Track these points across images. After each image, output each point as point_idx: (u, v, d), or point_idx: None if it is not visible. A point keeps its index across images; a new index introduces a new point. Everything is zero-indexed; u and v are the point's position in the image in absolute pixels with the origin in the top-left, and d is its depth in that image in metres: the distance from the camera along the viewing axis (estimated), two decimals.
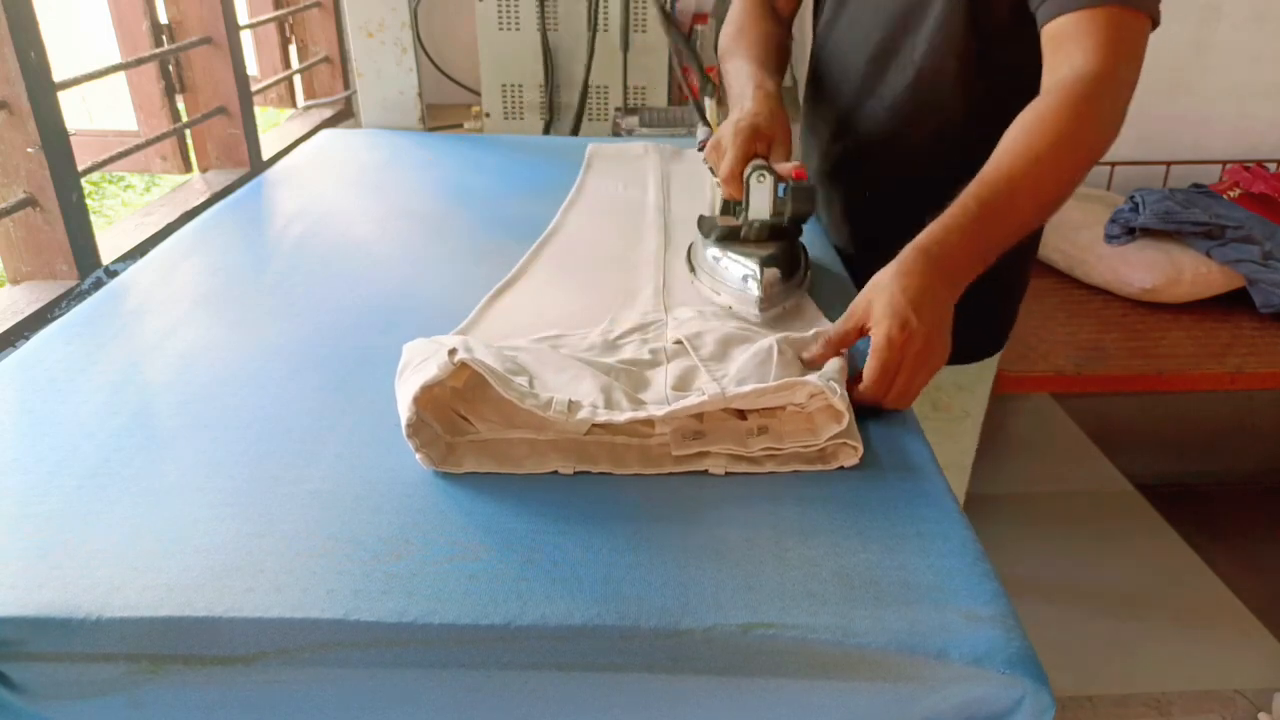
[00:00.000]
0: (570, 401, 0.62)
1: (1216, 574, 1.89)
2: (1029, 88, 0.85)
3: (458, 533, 0.55)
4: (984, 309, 1.01)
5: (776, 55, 1.01)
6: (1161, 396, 2.42)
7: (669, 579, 0.52)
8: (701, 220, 0.92)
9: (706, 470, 0.62)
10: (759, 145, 0.84)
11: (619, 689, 0.49)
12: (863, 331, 0.71)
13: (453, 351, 0.61)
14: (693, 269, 0.89)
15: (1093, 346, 1.84)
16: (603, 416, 0.61)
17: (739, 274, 0.81)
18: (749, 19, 1.05)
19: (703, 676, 0.48)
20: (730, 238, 0.85)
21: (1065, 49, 0.78)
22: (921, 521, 0.58)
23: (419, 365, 0.63)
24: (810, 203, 0.83)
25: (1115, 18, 0.76)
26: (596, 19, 1.61)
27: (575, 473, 0.61)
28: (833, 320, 0.81)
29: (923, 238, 0.72)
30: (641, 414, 0.62)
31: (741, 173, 0.83)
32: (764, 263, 0.80)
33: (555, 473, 0.61)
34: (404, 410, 0.60)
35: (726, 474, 0.62)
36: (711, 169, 0.89)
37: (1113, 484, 2.18)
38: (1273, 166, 2.32)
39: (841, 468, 0.63)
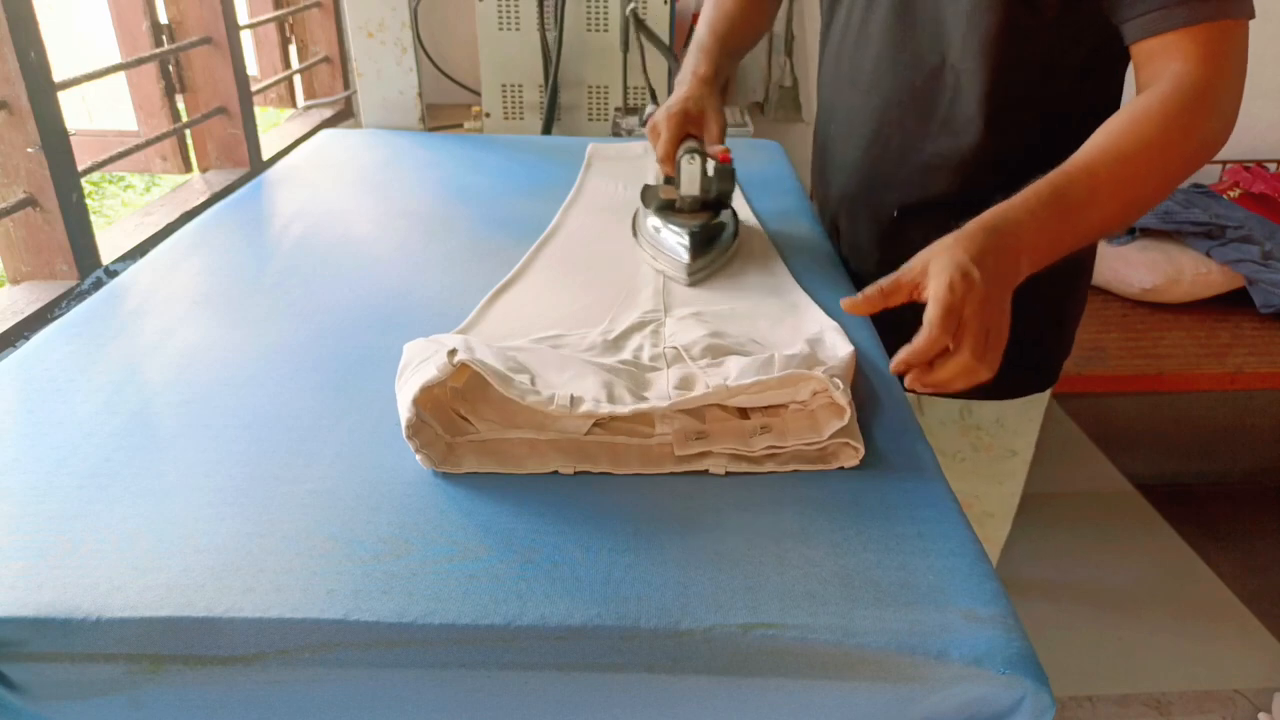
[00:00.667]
0: (573, 396, 0.62)
1: (1216, 574, 1.89)
2: (1053, 110, 0.85)
3: (458, 533, 0.55)
4: (1029, 339, 0.93)
5: (740, 33, 1.05)
6: (1161, 396, 2.42)
7: (669, 579, 0.52)
8: (645, 190, 1.00)
9: (707, 470, 0.62)
10: (691, 128, 0.93)
11: (619, 689, 0.49)
12: (913, 292, 0.68)
13: (452, 352, 0.61)
14: (635, 234, 0.99)
15: (1093, 346, 1.84)
16: (606, 409, 0.61)
17: (672, 242, 0.91)
18: None
19: (703, 677, 0.48)
20: (667, 208, 0.94)
21: (1160, 62, 0.76)
22: (921, 522, 0.58)
23: (418, 366, 0.63)
24: (731, 182, 0.94)
25: (1213, 31, 0.74)
26: (562, 17, 1.61)
27: (575, 472, 0.61)
28: (809, 293, 0.85)
29: (988, 214, 0.69)
30: (645, 406, 0.62)
31: (675, 153, 0.92)
32: (692, 234, 0.89)
33: (555, 473, 0.61)
34: (404, 411, 0.61)
35: (727, 474, 0.62)
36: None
37: (1113, 484, 2.18)
38: (1273, 166, 2.32)
39: (842, 468, 0.63)
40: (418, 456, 0.60)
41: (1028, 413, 1.04)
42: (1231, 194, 2.13)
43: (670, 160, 0.93)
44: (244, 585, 0.50)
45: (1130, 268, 1.98)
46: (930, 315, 0.64)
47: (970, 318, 0.64)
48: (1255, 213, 2.06)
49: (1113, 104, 0.88)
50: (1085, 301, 1.03)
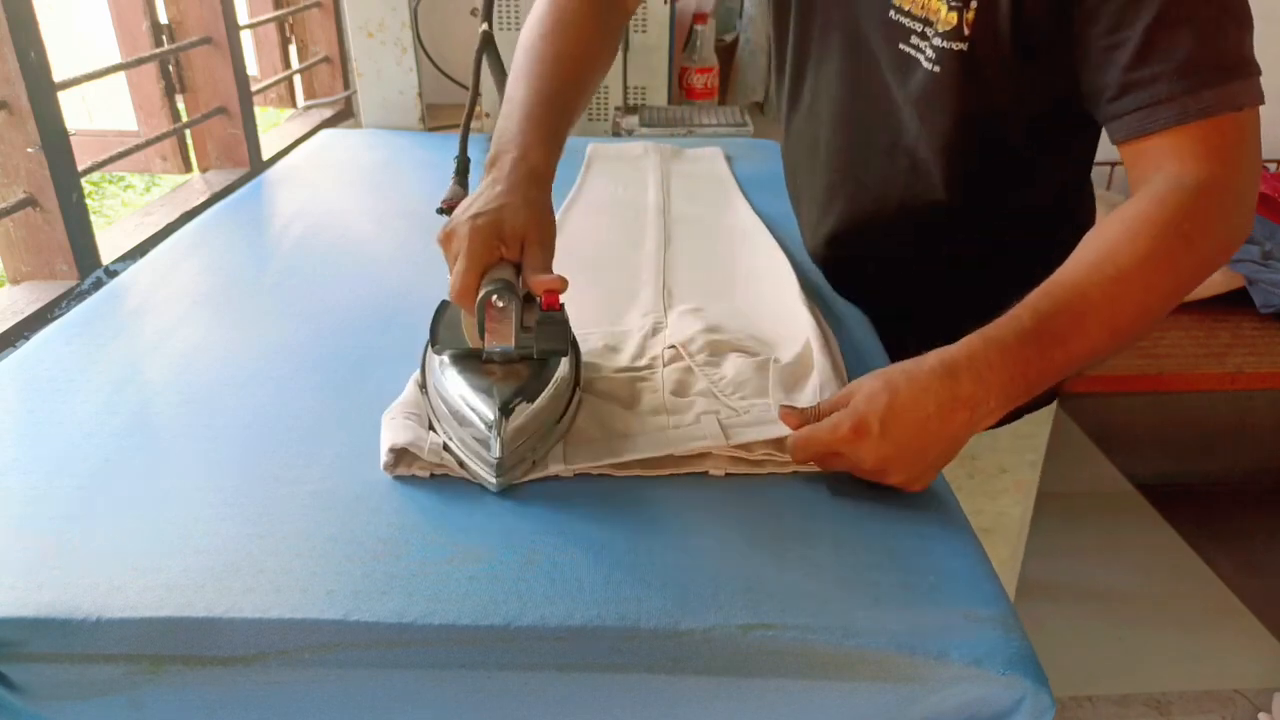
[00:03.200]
0: (568, 463, 0.61)
1: (1216, 574, 1.89)
2: (1017, 163, 0.81)
3: (457, 533, 0.55)
4: None
5: (584, 79, 0.80)
6: (1161, 396, 2.42)
7: (669, 579, 0.52)
8: (440, 312, 0.68)
9: (706, 471, 0.62)
10: (506, 250, 0.63)
11: (619, 689, 0.49)
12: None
13: (441, 451, 0.60)
14: (422, 384, 0.67)
15: None
16: (605, 460, 0.61)
17: (475, 420, 0.59)
18: (564, 15, 0.81)
19: (703, 677, 0.48)
20: (471, 357, 0.64)
21: (1153, 163, 0.66)
22: (921, 522, 0.58)
23: (412, 416, 0.63)
24: (561, 341, 0.63)
25: (1211, 128, 0.63)
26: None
27: (575, 473, 0.61)
28: (811, 291, 0.78)
29: (955, 347, 0.60)
30: (640, 455, 0.61)
31: (477, 287, 0.61)
32: (504, 406, 0.58)
33: (555, 475, 0.61)
34: (384, 453, 0.60)
35: (726, 475, 0.62)
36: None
37: (1113, 484, 2.19)
38: (1273, 166, 2.32)
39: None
40: (411, 472, 0.60)
41: (1019, 431, 0.98)
42: None
43: (470, 295, 0.61)
44: (244, 586, 0.50)
45: None
46: (806, 431, 0.59)
47: (844, 456, 0.59)
48: (1255, 213, 2.06)
49: (1092, 140, 0.85)
50: None
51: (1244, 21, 0.65)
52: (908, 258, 0.89)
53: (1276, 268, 1.92)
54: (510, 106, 0.74)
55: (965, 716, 0.48)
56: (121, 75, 1.38)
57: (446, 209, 0.75)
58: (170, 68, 1.48)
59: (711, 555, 0.54)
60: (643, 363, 0.73)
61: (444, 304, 0.69)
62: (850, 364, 0.75)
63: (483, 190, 0.67)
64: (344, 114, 2.05)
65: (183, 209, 1.43)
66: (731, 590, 0.51)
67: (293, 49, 2.00)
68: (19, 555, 0.52)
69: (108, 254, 1.24)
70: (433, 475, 0.60)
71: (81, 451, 0.62)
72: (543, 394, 0.61)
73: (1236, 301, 1.94)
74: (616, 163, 1.27)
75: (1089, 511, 2.11)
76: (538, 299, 0.62)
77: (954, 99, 0.76)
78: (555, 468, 0.61)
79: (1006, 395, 0.59)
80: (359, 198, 1.16)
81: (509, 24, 1.67)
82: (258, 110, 1.65)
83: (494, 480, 0.58)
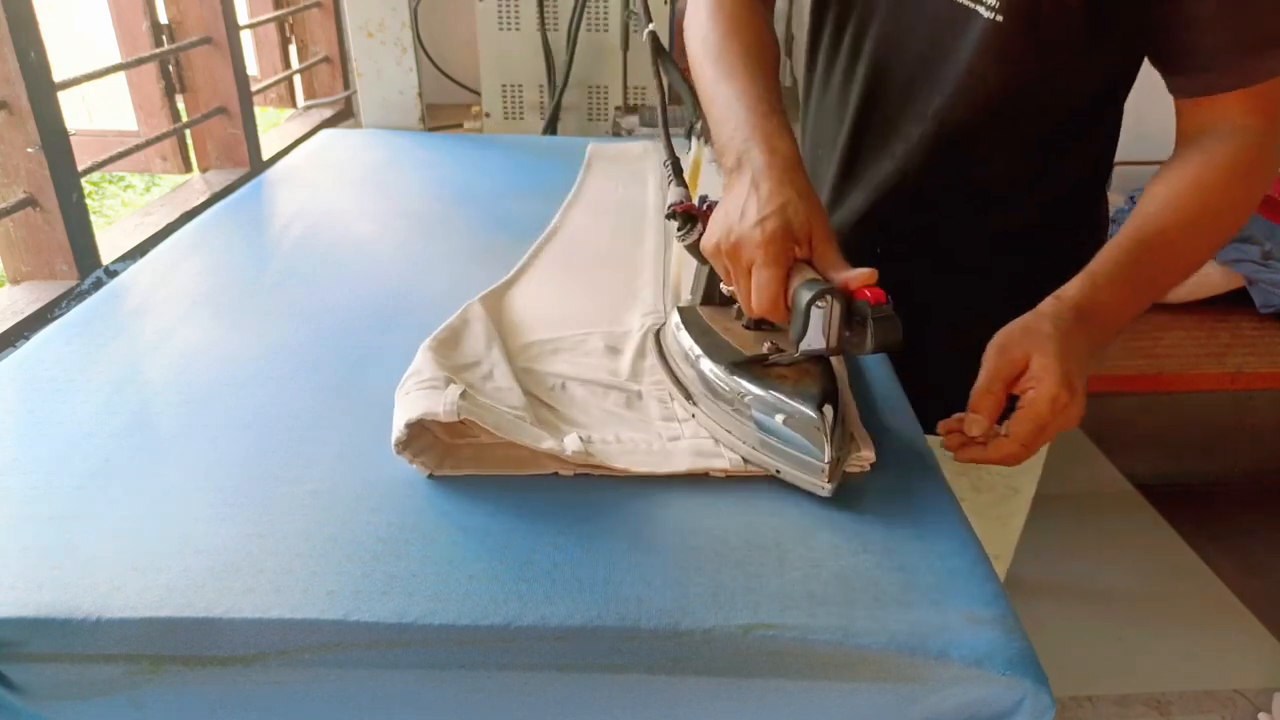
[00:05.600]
0: (584, 441, 0.61)
1: (1216, 574, 1.89)
2: (1053, 135, 0.80)
3: (457, 533, 0.55)
4: None
5: (777, 76, 0.78)
6: (1161, 396, 2.42)
7: (669, 579, 0.52)
8: (685, 317, 0.68)
9: (708, 472, 0.62)
10: (799, 249, 0.61)
11: (619, 690, 0.49)
12: (1012, 385, 0.64)
13: (464, 396, 0.60)
14: (686, 394, 0.66)
15: None
16: (620, 464, 0.61)
17: (795, 414, 0.59)
18: (736, 13, 0.80)
19: (703, 677, 0.48)
20: (754, 363, 0.62)
21: (1211, 116, 0.72)
22: (921, 522, 0.58)
23: (425, 384, 0.62)
24: (897, 336, 0.58)
25: (1268, 89, 0.70)
26: (579, 26, 1.61)
27: (576, 474, 0.61)
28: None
29: (1074, 292, 0.66)
30: (664, 469, 0.61)
31: (786, 294, 0.60)
32: (820, 403, 0.58)
33: (555, 474, 0.61)
34: (396, 429, 0.60)
35: (726, 476, 0.62)
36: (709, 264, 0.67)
37: (1113, 484, 2.19)
38: None
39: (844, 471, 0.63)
40: (414, 464, 0.60)
41: None
42: None
43: (780, 307, 0.60)
44: (244, 586, 0.50)
45: None
46: (1023, 429, 0.62)
47: (1052, 430, 0.63)
48: (1255, 213, 2.06)
49: (1113, 137, 0.87)
50: None
51: None
52: (918, 243, 0.88)
53: (1276, 268, 1.92)
54: (724, 108, 0.71)
55: (965, 717, 0.48)
56: (121, 75, 1.38)
57: (680, 211, 0.69)
58: (170, 68, 1.48)
59: (711, 555, 0.54)
60: (647, 363, 0.73)
61: (682, 311, 0.69)
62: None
63: (744, 193, 0.63)
64: (344, 114, 2.05)
65: (183, 209, 1.43)
66: (731, 590, 0.51)
67: (293, 49, 2.00)
68: (19, 555, 0.52)
69: (108, 254, 1.24)
70: (431, 475, 0.60)
71: (81, 451, 0.62)
72: (840, 391, 0.61)
73: (1236, 301, 1.95)
74: (616, 163, 1.27)
75: (1089, 511, 2.11)
76: (860, 299, 0.58)
77: (1011, 48, 0.74)
78: (558, 467, 0.61)
79: (1115, 327, 0.68)
80: (359, 198, 1.16)
81: (509, 24, 1.67)
82: (258, 110, 1.65)
83: (827, 486, 0.58)
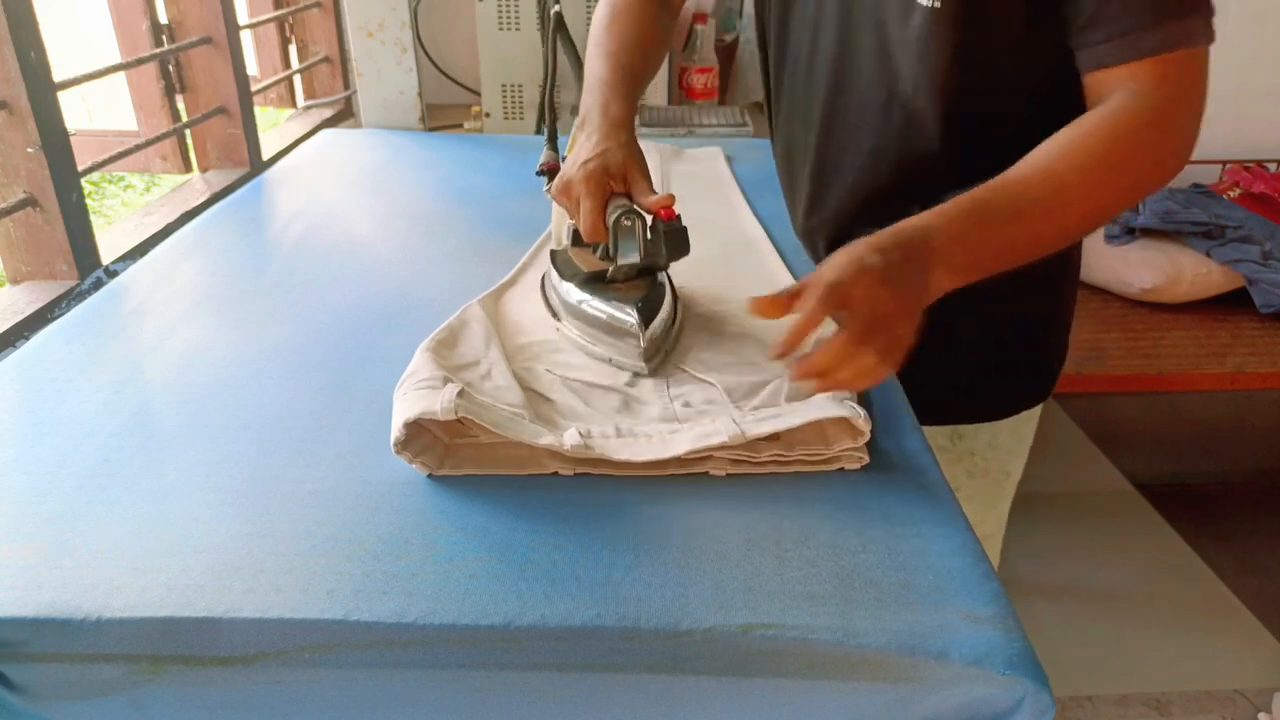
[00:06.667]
0: (583, 435, 0.61)
1: (1216, 574, 1.89)
2: (1014, 117, 0.80)
3: (458, 533, 0.55)
4: (1014, 358, 0.93)
5: (646, 56, 0.91)
6: (1161, 396, 2.42)
7: (669, 579, 0.52)
8: (555, 257, 0.83)
9: (708, 472, 0.62)
10: (615, 184, 0.76)
11: (619, 689, 0.49)
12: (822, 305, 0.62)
13: (461, 395, 0.60)
14: (554, 314, 0.80)
15: (1093, 346, 1.84)
16: (624, 455, 0.61)
17: (616, 323, 0.73)
18: (626, 7, 0.93)
19: (703, 677, 0.48)
20: (596, 280, 0.77)
21: (1113, 88, 0.71)
22: (921, 522, 0.58)
23: (421, 385, 0.62)
24: (685, 245, 0.75)
25: (1170, 59, 0.69)
26: (555, 43, 1.60)
27: (576, 473, 0.61)
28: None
29: (901, 222, 0.66)
30: (666, 454, 0.61)
31: (604, 218, 0.75)
32: (642, 311, 0.72)
33: (555, 473, 0.61)
34: (395, 430, 0.60)
35: (726, 475, 0.62)
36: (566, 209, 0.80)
37: (1113, 484, 2.19)
38: (1273, 166, 2.32)
39: (843, 469, 0.63)
40: (413, 465, 0.60)
41: (1019, 431, 1.00)
42: (1231, 194, 2.13)
43: (600, 228, 0.75)
44: (244, 586, 0.50)
45: (1130, 268, 1.98)
46: (810, 289, 0.61)
47: (860, 301, 0.60)
48: (1255, 213, 2.06)
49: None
50: (1072, 316, 0.98)
51: None
52: (891, 208, 0.86)
53: (1276, 268, 1.93)
54: (590, 81, 0.87)
55: (965, 716, 0.48)
56: (121, 75, 1.38)
57: (545, 170, 0.92)
58: (170, 68, 1.48)
59: (711, 555, 0.54)
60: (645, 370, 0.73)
61: (553, 252, 0.84)
62: None
63: (581, 144, 0.79)
64: (344, 114, 2.05)
65: (183, 209, 1.43)
66: (731, 590, 0.51)
67: (293, 49, 2.00)
68: (19, 555, 0.52)
69: (108, 254, 1.24)
70: (432, 475, 0.60)
71: (81, 451, 0.62)
72: (665, 297, 0.76)
73: (1236, 301, 1.95)
74: None
75: (1089, 511, 2.11)
76: (653, 217, 0.74)
77: (954, 32, 0.76)
78: (559, 466, 0.61)
79: (950, 262, 0.64)
80: (359, 198, 1.16)
81: (509, 24, 1.67)
82: (258, 110, 1.65)
83: (644, 364, 0.71)
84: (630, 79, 0.86)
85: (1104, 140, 0.69)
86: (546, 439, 0.60)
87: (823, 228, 0.96)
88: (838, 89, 0.88)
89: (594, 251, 0.80)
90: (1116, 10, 0.69)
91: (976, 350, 0.87)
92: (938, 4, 0.76)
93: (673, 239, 0.74)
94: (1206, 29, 0.69)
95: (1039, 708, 0.47)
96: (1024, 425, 0.99)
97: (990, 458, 1.00)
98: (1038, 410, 0.99)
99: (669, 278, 0.81)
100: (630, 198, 0.76)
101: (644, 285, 0.76)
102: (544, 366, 0.72)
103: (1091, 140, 0.69)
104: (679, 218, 0.74)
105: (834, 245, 0.88)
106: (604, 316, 0.73)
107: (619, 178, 0.76)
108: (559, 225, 0.89)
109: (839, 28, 0.85)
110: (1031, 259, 0.69)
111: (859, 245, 0.63)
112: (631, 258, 0.74)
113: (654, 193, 0.75)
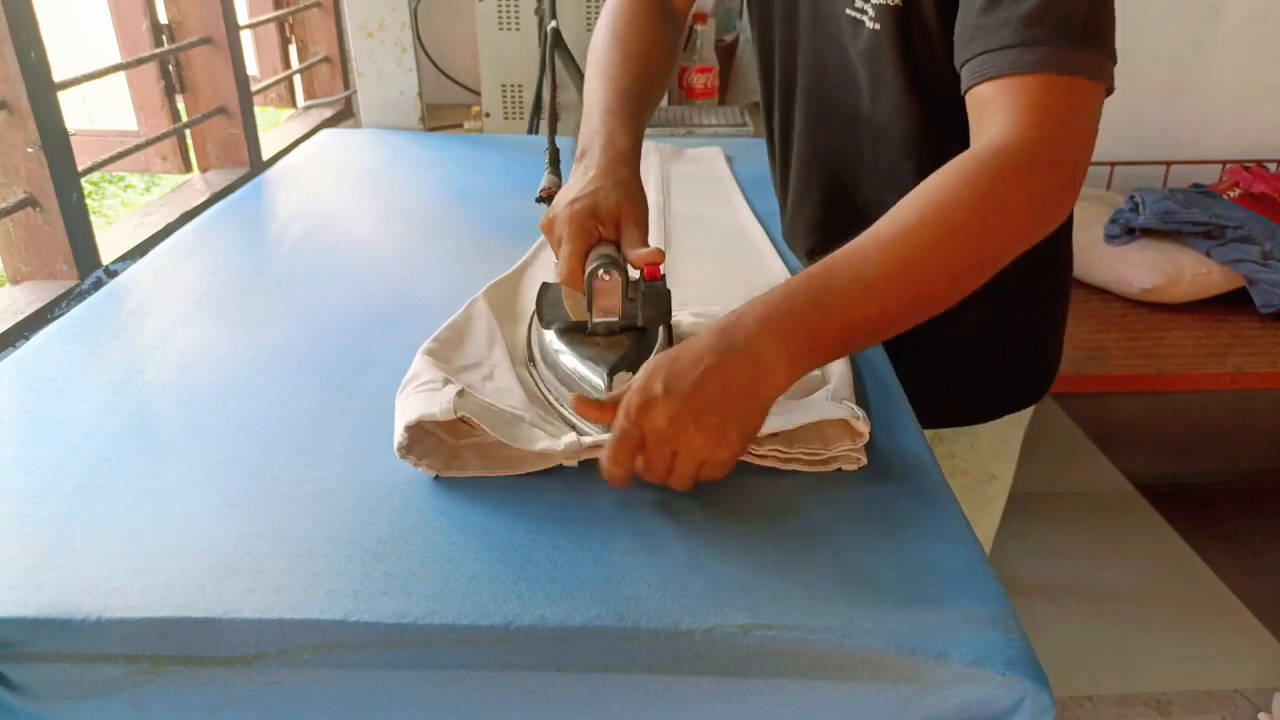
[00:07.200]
0: (580, 434, 0.61)
1: (1216, 574, 1.89)
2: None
3: (458, 533, 0.55)
4: (992, 364, 0.90)
5: (651, 80, 0.84)
6: (1161, 396, 2.42)
7: (669, 579, 0.52)
8: (543, 293, 0.75)
9: None
10: (603, 229, 0.68)
11: (619, 689, 0.49)
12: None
13: (460, 395, 0.60)
14: (531, 358, 0.73)
15: (1093, 346, 1.84)
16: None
17: (584, 383, 0.66)
18: (630, 20, 0.86)
19: (703, 677, 0.48)
20: (576, 330, 0.70)
21: (984, 118, 0.64)
22: (921, 522, 0.58)
23: (422, 388, 0.62)
24: (665, 307, 0.70)
25: (1043, 84, 0.62)
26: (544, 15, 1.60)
27: (580, 463, 0.61)
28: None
29: (729, 314, 0.59)
30: None
31: (582, 266, 0.67)
32: (613, 374, 0.64)
33: (558, 467, 0.61)
34: (398, 434, 0.60)
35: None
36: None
37: (1113, 484, 2.18)
38: (1273, 166, 2.32)
39: (841, 470, 0.63)
40: (419, 468, 0.60)
41: (1004, 433, 0.96)
42: (1231, 194, 2.13)
43: (577, 276, 0.67)
44: (244, 586, 0.50)
45: (1130, 268, 1.98)
46: (609, 440, 0.57)
47: (649, 442, 0.56)
48: (1255, 213, 2.06)
49: None
50: (1064, 321, 0.95)
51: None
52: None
53: (1276, 268, 1.92)
54: (591, 104, 0.79)
55: (965, 716, 0.48)
56: (121, 75, 1.38)
57: (545, 197, 0.84)
58: (170, 68, 1.48)
59: (711, 555, 0.54)
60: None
61: (544, 286, 0.76)
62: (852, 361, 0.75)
63: (577, 179, 0.72)
64: (344, 114, 2.05)
65: (183, 209, 1.43)
66: (731, 590, 0.51)
67: (293, 49, 2.00)
68: (19, 555, 0.52)
69: (108, 254, 1.24)
70: (438, 477, 0.60)
71: (81, 451, 0.62)
72: (648, 356, 0.65)
73: (1236, 301, 1.95)
74: None
75: (1089, 511, 2.11)
76: (640, 272, 0.67)
77: (893, 54, 0.76)
78: (563, 459, 0.61)
79: (788, 348, 0.57)
80: (359, 198, 1.16)
81: (509, 24, 1.67)
82: (258, 110, 1.65)
83: (599, 430, 0.62)
84: (634, 105, 0.79)
85: (958, 192, 0.60)
86: (542, 444, 0.60)
87: (800, 235, 0.96)
88: (813, 110, 0.89)
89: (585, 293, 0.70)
90: (994, 23, 0.64)
91: (953, 355, 0.86)
92: (877, 26, 0.77)
93: (652, 301, 0.68)
94: (1101, 67, 0.63)
95: (1039, 708, 0.47)
96: (1009, 429, 0.96)
97: (971, 458, 0.97)
98: (1026, 414, 0.96)
99: (667, 326, 0.72)
100: (619, 246, 0.69)
101: (626, 342, 0.68)
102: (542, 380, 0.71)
103: (944, 193, 0.61)
104: (664, 277, 0.68)
105: (812, 255, 0.89)
106: (572, 373, 0.67)
107: (609, 221, 0.69)
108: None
109: (813, 47, 0.86)
110: (899, 328, 0.62)
111: (652, 369, 0.57)
112: (608, 314, 0.67)
113: (645, 244, 0.68)
